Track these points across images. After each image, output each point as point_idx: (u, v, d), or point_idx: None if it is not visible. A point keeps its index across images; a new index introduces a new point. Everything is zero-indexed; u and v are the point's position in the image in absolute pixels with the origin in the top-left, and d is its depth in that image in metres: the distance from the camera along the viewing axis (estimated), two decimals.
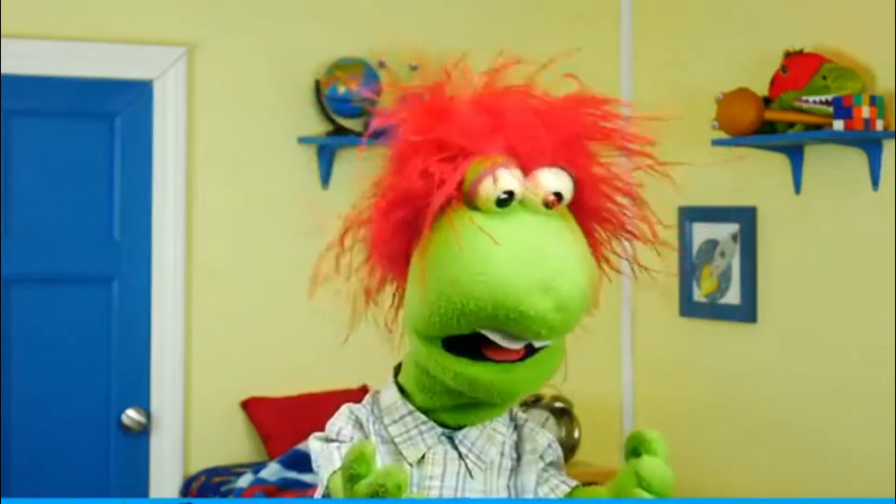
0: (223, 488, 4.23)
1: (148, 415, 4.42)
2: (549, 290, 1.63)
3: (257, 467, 4.25)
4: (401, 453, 1.78)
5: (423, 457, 1.78)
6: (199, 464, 4.47)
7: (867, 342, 4.09)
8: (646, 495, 1.65)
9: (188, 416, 4.48)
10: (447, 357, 1.71)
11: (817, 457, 4.25)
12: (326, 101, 4.56)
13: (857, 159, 4.10)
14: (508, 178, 1.69)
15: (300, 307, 4.61)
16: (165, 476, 4.43)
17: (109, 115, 4.41)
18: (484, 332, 1.67)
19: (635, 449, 1.68)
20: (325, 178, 4.63)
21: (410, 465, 1.77)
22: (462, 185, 1.69)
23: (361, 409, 1.85)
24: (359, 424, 1.81)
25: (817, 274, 4.27)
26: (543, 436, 1.86)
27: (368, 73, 4.54)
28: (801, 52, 4.17)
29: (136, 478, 4.41)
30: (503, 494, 1.80)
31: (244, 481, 4.13)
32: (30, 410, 4.29)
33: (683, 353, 4.79)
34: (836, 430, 4.20)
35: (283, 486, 4.08)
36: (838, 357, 4.19)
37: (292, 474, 4.14)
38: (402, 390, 1.83)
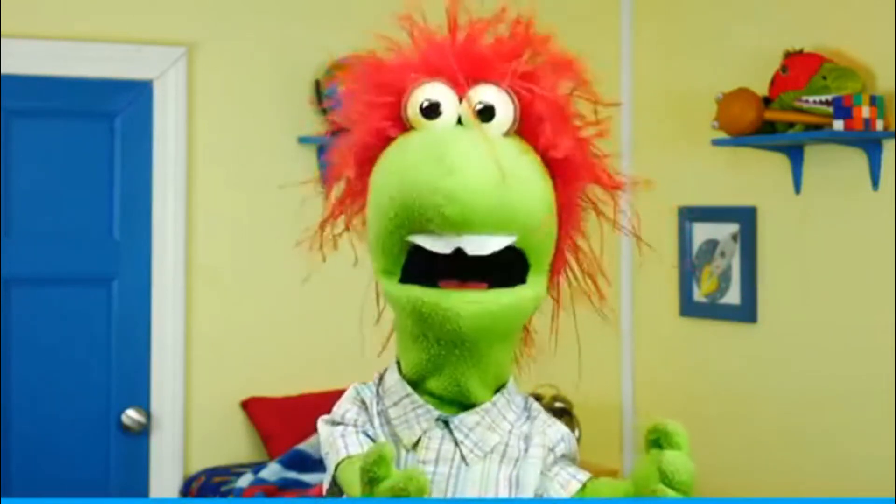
0: (223, 488, 4.23)
1: (148, 415, 4.42)
2: (440, 158, 1.61)
3: (257, 467, 4.25)
4: (397, 436, 1.75)
5: (417, 441, 1.74)
6: (199, 464, 4.47)
7: (867, 342, 4.09)
8: (669, 492, 1.61)
9: (188, 416, 4.48)
10: (400, 287, 1.69)
11: (817, 457, 4.25)
12: (327, 101, 4.55)
13: (857, 159, 4.11)
14: (432, 90, 1.69)
15: (300, 307, 4.64)
16: (165, 476, 4.43)
17: (109, 115, 4.41)
18: (415, 239, 1.64)
19: (657, 441, 1.63)
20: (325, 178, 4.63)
21: (406, 448, 1.74)
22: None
23: (367, 390, 1.82)
24: (364, 406, 1.79)
25: (817, 274, 4.27)
26: (556, 428, 1.80)
27: None
28: (801, 52, 4.17)
29: (136, 478, 4.41)
30: (502, 484, 1.74)
31: (244, 481, 4.13)
32: (30, 410, 4.29)
33: (683, 353, 4.79)
34: (836, 430, 4.20)
35: (283, 486, 4.08)
36: (838, 357, 4.19)
37: (292, 474, 4.14)
38: (399, 369, 1.80)
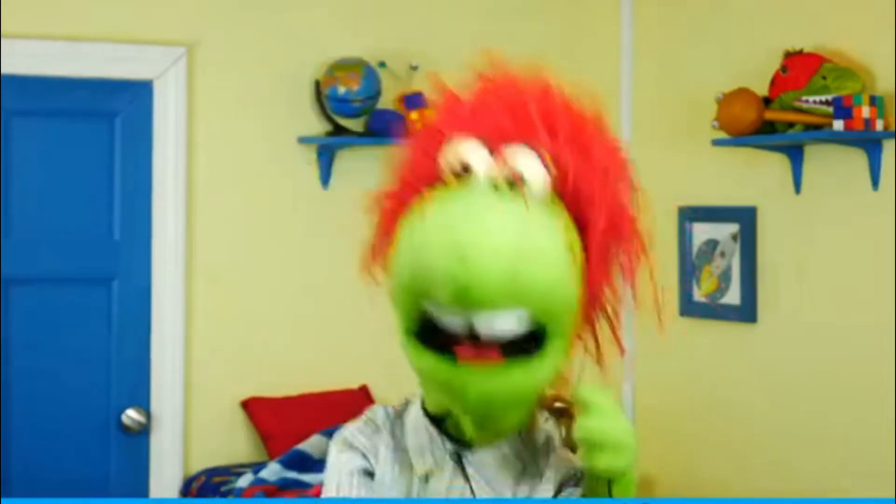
0: (223, 488, 4.23)
1: (148, 415, 4.42)
2: (461, 248, 1.56)
3: (257, 467, 4.24)
4: (411, 464, 1.75)
5: (429, 472, 1.74)
6: (199, 464, 4.47)
7: (867, 342, 4.09)
8: (598, 457, 1.59)
9: (188, 416, 4.48)
10: (417, 349, 1.67)
11: (817, 457, 4.25)
12: (326, 101, 4.56)
13: (857, 159, 4.10)
14: (468, 152, 1.66)
15: (300, 307, 4.64)
16: (165, 476, 4.43)
17: (109, 115, 4.41)
18: (430, 309, 1.62)
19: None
20: (325, 178, 4.64)
21: (419, 478, 1.74)
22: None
23: (383, 412, 1.80)
24: (377, 429, 1.78)
25: (817, 274, 4.27)
26: (571, 466, 1.78)
27: (368, 73, 4.54)
28: (801, 52, 4.17)
29: (136, 478, 4.41)
30: None
31: (244, 481, 4.13)
32: (30, 410, 4.29)
33: (683, 353, 4.79)
34: (836, 430, 4.20)
35: (283, 486, 4.08)
36: (838, 357, 4.19)
37: (292, 474, 4.14)
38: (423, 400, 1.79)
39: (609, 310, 1.77)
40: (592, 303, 1.73)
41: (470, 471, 1.73)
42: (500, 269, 1.56)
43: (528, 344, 1.63)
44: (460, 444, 1.74)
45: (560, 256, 1.63)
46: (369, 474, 1.76)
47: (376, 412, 1.80)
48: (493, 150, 1.65)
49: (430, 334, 1.64)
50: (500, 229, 1.58)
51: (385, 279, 1.73)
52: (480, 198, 1.62)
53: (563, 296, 1.63)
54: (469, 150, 1.66)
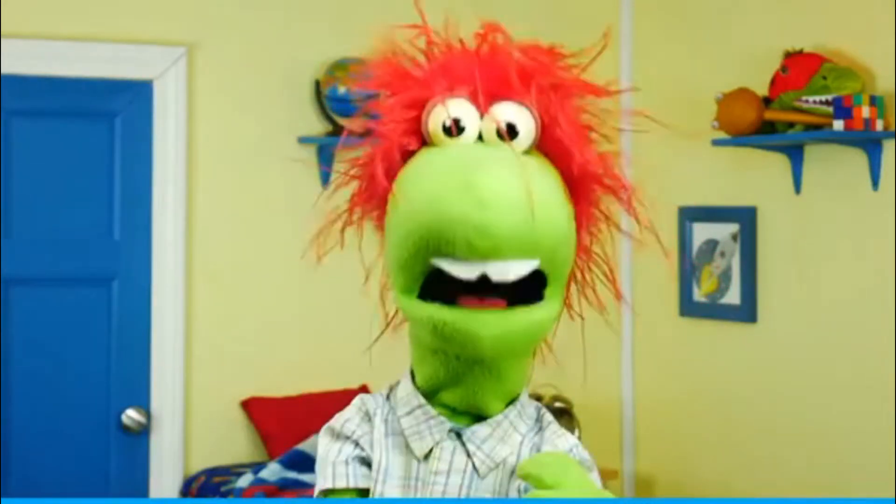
0: (223, 488, 4.23)
1: (148, 415, 4.42)
2: (475, 192, 1.58)
3: (257, 467, 4.24)
4: (409, 447, 1.75)
5: (430, 452, 1.74)
6: (199, 464, 4.47)
7: (867, 342, 4.09)
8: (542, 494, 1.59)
9: (188, 416, 4.48)
10: (422, 305, 1.67)
11: (817, 456, 4.25)
12: (326, 101, 4.56)
13: (857, 159, 4.11)
14: (455, 108, 1.68)
15: (300, 307, 4.64)
16: (165, 476, 4.43)
17: (109, 115, 4.41)
18: (439, 262, 1.62)
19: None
20: (325, 178, 4.64)
21: (418, 459, 1.74)
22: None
23: (372, 400, 1.81)
24: (367, 417, 1.78)
25: (817, 274, 4.27)
26: (565, 440, 1.78)
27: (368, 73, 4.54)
28: (801, 52, 4.17)
29: (136, 478, 4.41)
30: (513, 494, 1.73)
31: (244, 481, 4.13)
32: (30, 410, 4.29)
33: (683, 353, 4.79)
34: (836, 429, 4.20)
35: (283, 486, 4.08)
36: (838, 357, 4.19)
37: (292, 474, 4.14)
38: (413, 380, 1.80)
39: (602, 256, 1.81)
40: (584, 250, 1.78)
41: (470, 447, 1.73)
42: (519, 218, 1.59)
43: (530, 291, 1.65)
44: (456, 421, 1.75)
45: (564, 205, 1.67)
46: (365, 462, 1.75)
47: (365, 400, 1.80)
48: (478, 106, 1.68)
49: (432, 290, 1.66)
50: (511, 179, 1.60)
51: (381, 242, 1.74)
52: (482, 150, 1.66)
53: (568, 244, 1.68)
54: (459, 107, 1.68)
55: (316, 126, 4.63)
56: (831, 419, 4.21)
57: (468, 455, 1.73)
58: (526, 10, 4.89)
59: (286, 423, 4.43)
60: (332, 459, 1.76)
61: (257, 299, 4.58)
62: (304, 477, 4.12)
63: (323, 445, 1.79)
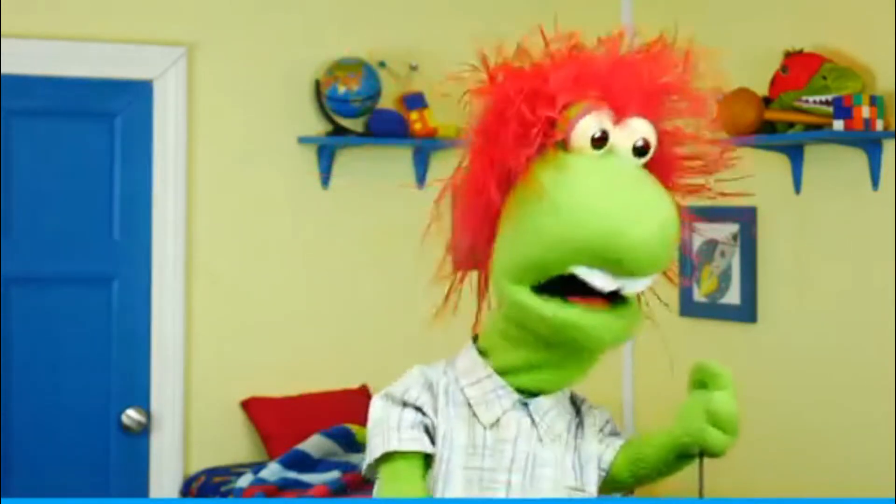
0: (223, 488, 4.23)
1: (148, 415, 4.42)
2: (647, 219, 1.67)
3: (257, 467, 4.24)
4: (475, 415, 1.79)
5: (497, 420, 1.79)
6: (199, 464, 4.47)
7: (867, 342, 4.09)
8: (715, 433, 1.82)
9: (188, 416, 4.48)
10: (541, 301, 1.72)
11: (817, 457, 4.25)
12: (326, 101, 4.56)
13: (857, 159, 4.11)
14: (603, 119, 1.73)
15: (300, 307, 4.64)
16: (165, 476, 4.43)
17: (109, 115, 4.41)
18: (579, 270, 1.69)
19: (701, 381, 1.82)
20: (325, 178, 4.64)
21: (484, 427, 1.79)
22: (556, 132, 1.73)
23: (433, 371, 1.85)
24: (428, 385, 1.82)
25: (817, 274, 4.27)
26: (601, 412, 1.93)
27: (368, 73, 4.55)
28: (801, 52, 4.17)
29: (136, 478, 4.41)
30: (569, 468, 1.83)
31: (244, 481, 4.13)
32: (30, 410, 4.29)
33: (683, 353, 4.79)
34: (836, 430, 4.20)
35: (283, 486, 4.08)
36: (838, 357, 4.19)
37: (292, 474, 4.14)
38: (481, 354, 1.84)
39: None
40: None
41: (536, 417, 1.81)
42: (667, 243, 1.71)
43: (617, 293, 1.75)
44: (526, 392, 1.82)
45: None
46: (427, 430, 1.79)
47: (424, 371, 1.84)
48: (618, 119, 1.75)
49: (546, 288, 1.73)
50: (670, 209, 1.72)
51: (513, 234, 1.75)
52: (633, 171, 1.74)
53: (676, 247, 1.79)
54: (604, 121, 1.73)
55: (316, 126, 4.63)
56: (831, 419, 4.21)
57: (533, 424, 1.81)
58: (525, 11, 4.89)
59: (286, 423, 4.43)
60: (394, 424, 1.78)
61: (257, 299, 4.58)
62: (304, 477, 4.12)
63: (380, 409, 1.80)
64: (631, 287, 1.73)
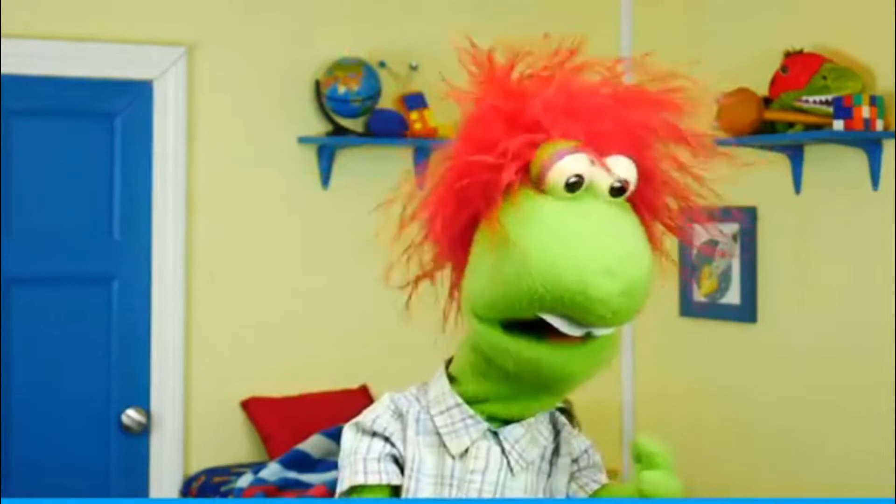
0: (223, 488, 4.23)
1: (148, 415, 4.42)
2: (615, 275, 1.62)
3: (257, 467, 4.23)
4: (444, 445, 1.76)
5: (466, 450, 1.76)
6: (199, 464, 4.47)
7: (867, 342, 4.09)
8: None
9: (188, 416, 4.48)
10: (507, 339, 1.68)
11: (817, 457, 4.25)
12: (326, 101, 4.56)
13: (857, 159, 4.10)
14: (580, 163, 1.67)
15: (300, 307, 4.64)
16: (165, 476, 4.43)
17: (109, 115, 4.41)
18: (546, 316, 1.65)
19: (639, 458, 1.69)
20: (325, 178, 4.64)
21: (453, 457, 1.76)
22: (530, 165, 1.68)
23: (403, 399, 1.81)
24: (398, 414, 1.79)
25: (817, 274, 4.27)
26: (580, 441, 1.86)
27: (368, 73, 4.55)
28: (801, 52, 4.17)
29: (136, 478, 4.41)
30: (540, 496, 1.80)
31: (244, 481, 4.12)
32: (30, 410, 4.29)
33: (683, 353, 4.79)
34: (836, 429, 4.20)
35: (283, 486, 4.07)
36: (838, 357, 4.19)
37: (292, 474, 4.13)
38: (451, 381, 1.80)
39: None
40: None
41: (506, 446, 1.77)
42: (641, 293, 1.66)
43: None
44: (497, 420, 1.77)
45: (653, 265, 1.74)
46: (395, 460, 1.77)
47: (395, 399, 1.81)
48: (595, 158, 1.68)
49: (516, 326, 1.69)
50: (632, 252, 1.66)
51: (487, 270, 1.71)
52: (609, 217, 1.68)
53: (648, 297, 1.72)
54: (580, 164, 1.67)
55: (316, 126, 4.63)
56: (831, 419, 4.21)
57: (503, 453, 1.77)
58: (525, 11, 4.89)
59: (286, 423, 4.43)
60: (362, 455, 1.77)
61: (257, 299, 4.58)
62: (304, 477, 4.12)
63: (350, 441, 1.79)
64: (598, 332, 1.67)
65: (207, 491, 4.28)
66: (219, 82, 4.54)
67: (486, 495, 1.75)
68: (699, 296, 4.68)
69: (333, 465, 4.50)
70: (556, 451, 1.83)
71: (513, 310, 1.66)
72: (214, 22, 4.54)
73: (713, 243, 4.63)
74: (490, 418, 1.77)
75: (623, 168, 1.69)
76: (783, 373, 4.38)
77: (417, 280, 1.89)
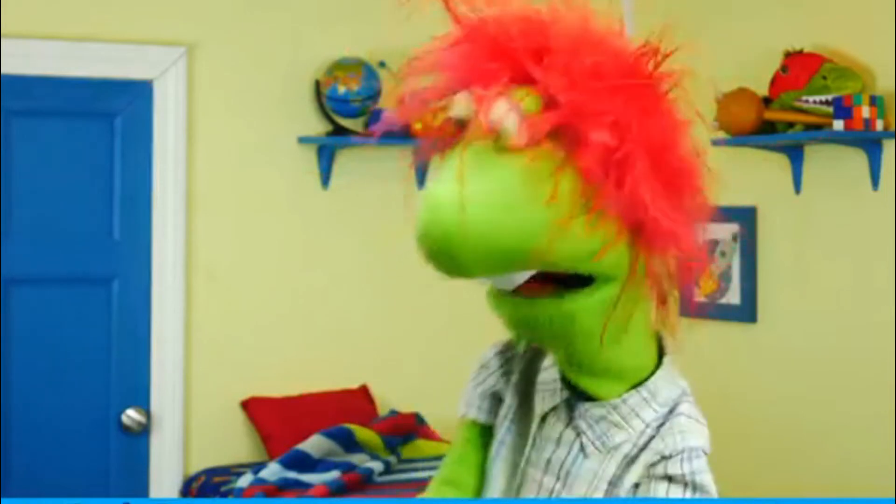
0: (223, 488, 4.23)
1: (148, 415, 4.42)
2: (435, 224, 1.49)
3: (257, 467, 4.24)
4: (534, 402, 1.73)
5: (545, 416, 1.70)
6: (199, 464, 4.47)
7: (867, 342, 4.09)
8: None
9: (188, 416, 4.48)
10: (490, 297, 1.64)
11: (817, 457, 4.25)
12: (326, 101, 4.56)
13: (857, 159, 4.11)
14: (460, 104, 1.58)
15: (300, 307, 4.64)
16: (165, 476, 4.43)
17: (109, 115, 4.41)
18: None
19: None
20: (325, 178, 4.64)
21: (534, 419, 1.72)
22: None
23: (525, 343, 1.77)
24: (514, 353, 1.78)
25: (817, 274, 4.27)
26: (682, 438, 1.67)
27: (368, 73, 4.55)
28: (801, 52, 4.17)
29: (136, 478, 4.41)
30: (626, 487, 1.64)
31: (244, 481, 4.13)
32: (30, 410, 4.29)
33: (683, 353, 4.78)
34: (836, 429, 4.20)
35: (283, 486, 4.08)
36: (838, 357, 4.19)
37: (292, 474, 4.14)
38: None
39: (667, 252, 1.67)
40: (647, 242, 1.62)
41: (581, 424, 1.66)
42: (466, 242, 1.48)
43: (577, 282, 1.57)
44: (575, 393, 1.68)
45: (530, 209, 1.50)
46: (498, 399, 1.77)
47: (512, 345, 1.81)
48: (479, 99, 1.55)
49: None
50: (451, 202, 1.49)
51: None
52: (471, 159, 1.52)
53: (555, 249, 1.51)
54: (458, 104, 1.58)
55: (316, 126, 4.63)
56: (831, 419, 4.21)
57: (577, 432, 1.67)
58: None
59: (286, 423, 4.43)
60: (471, 386, 1.79)
61: (257, 299, 4.58)
62: (304, 477, 4.12)
63: (476, 363, 1.81)
64: (500, 282, 1.56)
65: (207, 491, 4.28)
66: (219, 82, 4.54)
67: (553, 469, 1.67)
68: (699, 296, 4.68)
69: (333, 465, 4.53)
70: (651, 439, 1.66)
71: None
72: (214, 22, 4.54)
73: (713, 243, 4.63)
74: (572, 389, 1.68)
75: (497, 108, 1.53)
76: (783, 373, 4.38)
77: None
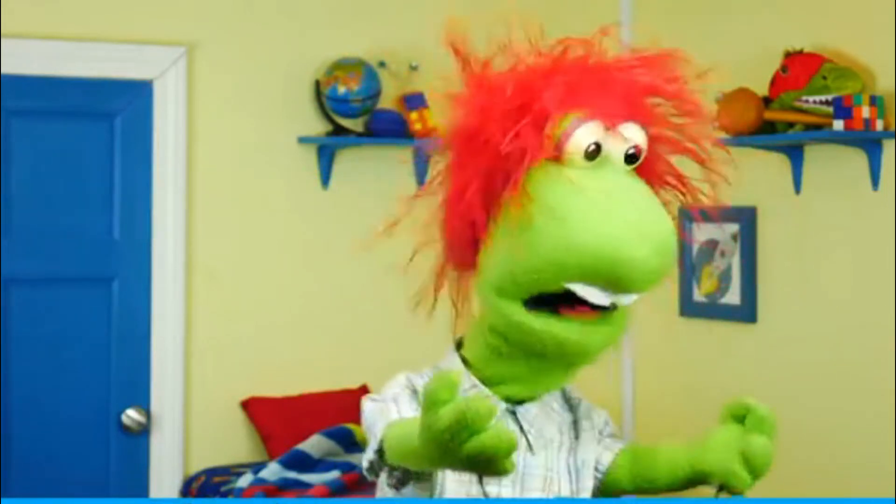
0: (223, 488, 4.23)
1: (148, 415, 4.42)
2: (647, 237, 1.65)
3: (257, 467, 4.24)
4: None
5: None
6: (199, 464, 4.47)
7: (867, 342, 4.09)
8: (745, 475, 1.73)
9: (188, 416, 4.48)
10: (530, 316, 1.70)
11: (817, 457, 4.25)
12: (326, 101, 4.56)
13: (857, 159, 4.10)
14: (595, 131, 1.70)
15: (300, 307, 4.64)
16: (165, 476, 4.43)
17: (109, 115, 4.41)
18: (575, 287, 1.66)
19: (741, 418, 1.76)
20: (325, 178, 4.64)
21: None
22: (548, 146, 1.70)
23: (419, 378, 1.83)
24: (415, 393, 1.79)
25: (817, 274, 4.27)
26: (599, 413, 1.91)
27: (368, 73, 4.55)
28: (801, 52, 4.17)
29: (136, 478, 4.41)
30: (563, 471, 1.82)
31: (244, 481, 4.13)
32: (30, 410, 4.29)
33: (683, 353, 4.79)
34: (836, 429, 4.20)
35: (283, 486, 4.08)
36: (838, 357, 4.19)
37: (292, 474, 4.14)
38: (465, 363, 1.82)
39: None
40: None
41: (524, 424, 1.80)
42: (666, 259, 1.68)
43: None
44: (512, 401, 1.80)
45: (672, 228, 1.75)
46: None
47: (411, 378, 1.83)
48: (608, 126, 1.71)
49: (536, 301, 1.71)
50: (657, 217, 1.69)
51: (506, 252, 1.72)
52: (627, 184, 1.71)
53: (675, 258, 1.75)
54: (596, 132, 1.70)
55: (316, 126, 4.63)
56: (831, 419, 4.21)
57: (522, 432, 1.80)
58: (524, 11, 4.88)
59: (286, 423, 4.43)
60: (391, 399, 1.77)
61: (257, 299, 4.58)
62: (304, 477, 4.12)
63: (370, 406, 1.79)
64: (625, 301, 1.71)
65: (207, 491, 4.28)
66: (219, 82, 4.54)
67: (509, 475, 1.71)
68: (699, 296, 4.68)
69: (333, 465, 4.53)
70: (574, 425, 1.86)
71: (541, 282, 1.67)
72: (214, 22, 4.54)
73: (713, 243, 4.63)
74: (506, 399, 1.79)
75: (635, 134, 1.73)
76: (783, 373, 4.38)
77: (438, 281, 1.91)
